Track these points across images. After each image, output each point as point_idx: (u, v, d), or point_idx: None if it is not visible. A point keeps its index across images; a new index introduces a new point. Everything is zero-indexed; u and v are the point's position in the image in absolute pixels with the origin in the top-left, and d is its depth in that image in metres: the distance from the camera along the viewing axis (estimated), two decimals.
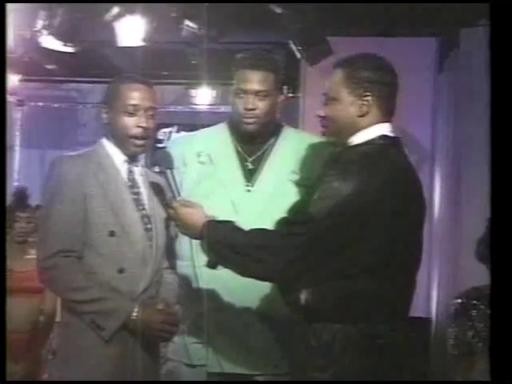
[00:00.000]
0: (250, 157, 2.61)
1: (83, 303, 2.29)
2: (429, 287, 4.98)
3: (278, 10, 4.55)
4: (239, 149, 2.62)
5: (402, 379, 2.10)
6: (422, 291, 4.68)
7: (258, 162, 2.60)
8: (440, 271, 4.94)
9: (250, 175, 2.59)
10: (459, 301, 3.01)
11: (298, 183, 2.55)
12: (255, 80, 2.54)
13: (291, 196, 2.44)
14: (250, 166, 2.60)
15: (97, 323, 2.28)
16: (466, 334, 2.93)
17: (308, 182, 2.44)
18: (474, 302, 2.95)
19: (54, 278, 2.34)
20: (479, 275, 2.97)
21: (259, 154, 2.61)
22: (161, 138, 6.99)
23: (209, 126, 2.80)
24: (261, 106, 2.55)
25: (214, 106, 6.79)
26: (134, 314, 2.28)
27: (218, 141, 2.64)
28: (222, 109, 6.52)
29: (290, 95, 5.74)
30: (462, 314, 2.97)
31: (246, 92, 2.54)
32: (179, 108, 7.05)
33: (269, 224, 2.16)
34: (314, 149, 2.56)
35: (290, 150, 2.60)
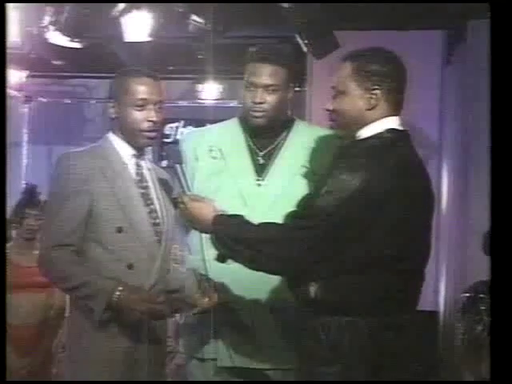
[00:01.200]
0: (261, 151, 2.61)
1: (74, 290, 2.31)
2: (437, 281, 4.98)
3: (285, 4, 4.55)
4: (250, 143, 2.61)
5: (410, 372, 2.10)
6: (430, 285, 4.68)
7: (269, 157, 2.60)
8: (448, 265, 4.94)
9: (260, 170, 2.58)
10: (467, 295, 3.02)
11: (308, 177, 2.54)
12: (265, 74, 2.53)
13: (302, 190, 2.42)
14: (261, 161, 2.59)
15: (89, 307, 2.28)
16: (475, 327, 2.93)
17: (318, 176, 2.44)
18: (482, 295, 2.95)
19: (50, 270, 2.37)
20: (487, 269, 2.97)
21: (270, 148, 2.61)
22: (167, 132, 7.00)
23: (215, 120, 2.80)
24: (269, 100, 2.54)
25: (221, 101, 6.78)
26: (117, 294, 2.24)
27: (229, 135, 2.64)
28: (229, 104, 6.52)
29: (297, 89, 5.73)
30: (470, 308, 2.98)
31: (255, 85, 2.53)
32: (186, 103, 7.05)
33: (279, 218, 2.15)
34: (325, 143, 2.54)
35: (301, 144, 2.59)
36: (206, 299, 2.41)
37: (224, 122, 2.73)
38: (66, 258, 2.31)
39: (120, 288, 2.25)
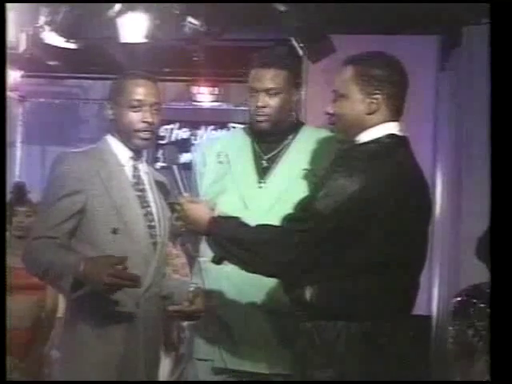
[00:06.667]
0: (266, 155, 2.61)
1: (45, 274, 2.29)
2: (430, 285, 4.98)
3: (281, 8, 4.55)
4: (256, 147, 2.62)
5: (403, 376, 2.10)
6: (423, 289, 4.67)
7: (273, 160, 2.60)
8: (441, 269, 4.94)
9: (263, 173, 2.59)
10: (459, 299, 3.01)
11: (310, 180, 2.54)
12: (265, 78, 2.54)
13: (303, 193, 2.42)
14: (265, 164, 2.60)
15: (61, 288, 2.27)
16: (466, 332, 2.93)
17: (318, 179, 2.44)
18: (474, 300, 2.95)
19: (28, 260, 2.35)
20: (479, 273, 2.98)
21: (275, 152, 2.61)
22: (162, 134, 7.00)
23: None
24: (272, 103, 2.54)
25: (216, 103, 6.79)
26: (82, 267, 2.18)
27: (237, 141, 2.66)
28: (224, 106, 6.52)
29: None
30: (461, 312, 2.97)
31: (256, 90, 2.55)
32: (181, 105, 7.05)
33: (278, 220, 2.16)
34: (330, 146, 2.53)
35: (306, 147, 2.59)
36: (186, 303, 2.39)
37: (234, 129, 2.77)
38: (44, 246, 2.29)
39: (85, 260, 2.20)
